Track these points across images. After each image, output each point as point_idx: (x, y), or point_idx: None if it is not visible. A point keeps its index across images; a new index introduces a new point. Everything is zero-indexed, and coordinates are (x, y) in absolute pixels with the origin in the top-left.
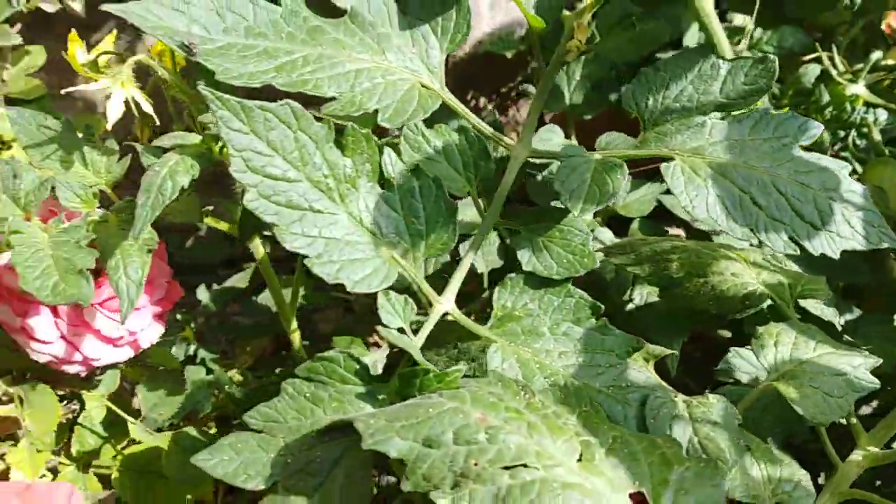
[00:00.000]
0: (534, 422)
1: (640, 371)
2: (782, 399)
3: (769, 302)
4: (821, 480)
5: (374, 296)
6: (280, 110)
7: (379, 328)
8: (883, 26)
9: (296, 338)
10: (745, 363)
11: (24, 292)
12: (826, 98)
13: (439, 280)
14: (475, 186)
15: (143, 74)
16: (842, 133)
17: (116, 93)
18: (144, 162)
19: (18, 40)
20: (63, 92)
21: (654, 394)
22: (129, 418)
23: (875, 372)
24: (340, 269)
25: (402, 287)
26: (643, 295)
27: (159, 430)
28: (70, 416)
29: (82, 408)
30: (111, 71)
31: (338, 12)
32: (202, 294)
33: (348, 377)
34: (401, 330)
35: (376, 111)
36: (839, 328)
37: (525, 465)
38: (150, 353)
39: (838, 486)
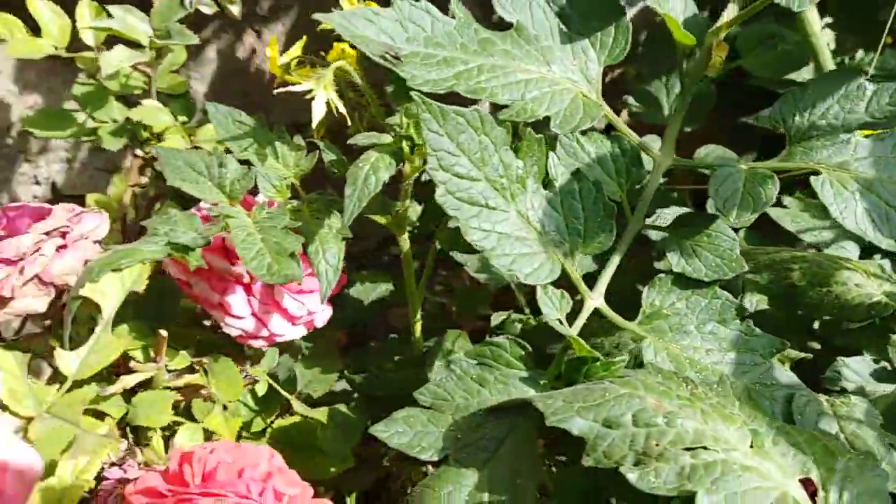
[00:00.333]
0: (706, 409)
1: (783, 371)
2: None
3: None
4: None
5: None
6: (470, 115)
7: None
8: None
9: (417, 327)
10: (851, 372)
11: (224, 271)
12: None
13: None
14: (625, 191)
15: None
16: None
17: (320, 95)
18: (325, 158)
19: (195, 40)
20: (275, 93)
21: (800, 392)
22: (286, 394)
23: None
24: (513, 262)
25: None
26: (753, 303)
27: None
28: None
29: None
30: (315, 74)
31: (495, 27)
32: None
33: (513, 361)
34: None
35: (547, 118)
36: None
37: (704, 448)
38: None
39: None
